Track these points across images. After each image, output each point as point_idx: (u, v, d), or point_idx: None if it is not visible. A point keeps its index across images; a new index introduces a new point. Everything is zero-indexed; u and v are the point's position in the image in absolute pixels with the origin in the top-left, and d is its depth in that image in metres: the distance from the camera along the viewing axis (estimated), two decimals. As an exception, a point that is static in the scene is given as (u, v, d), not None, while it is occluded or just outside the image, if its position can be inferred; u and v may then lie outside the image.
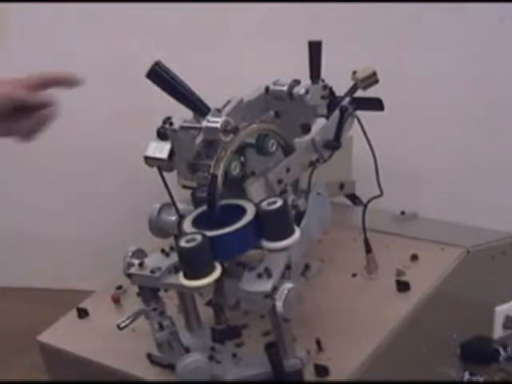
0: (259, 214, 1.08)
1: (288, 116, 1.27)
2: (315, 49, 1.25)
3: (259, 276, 1.09)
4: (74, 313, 1.40)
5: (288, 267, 1.13)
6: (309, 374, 1.14)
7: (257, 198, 1.12)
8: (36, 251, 1.94)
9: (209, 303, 1.20)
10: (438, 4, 1.63)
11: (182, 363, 1.12)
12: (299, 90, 1.23)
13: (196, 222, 1.12)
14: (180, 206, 1.22)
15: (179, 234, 1.10)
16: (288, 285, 1.08)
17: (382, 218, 1.44)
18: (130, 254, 1.17)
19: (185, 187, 1.21)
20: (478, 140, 1.66)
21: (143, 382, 1.23)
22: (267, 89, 1.26)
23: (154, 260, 1.15)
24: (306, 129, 1.23)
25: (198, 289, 1.09)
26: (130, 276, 1.16)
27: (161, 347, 1.18)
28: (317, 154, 1.21)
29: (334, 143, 1.22)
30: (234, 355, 1.19)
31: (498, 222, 1.41)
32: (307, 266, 1.23)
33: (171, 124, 1.15)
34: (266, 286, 1.07)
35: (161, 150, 1.21)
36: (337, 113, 1.23)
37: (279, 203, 1.07)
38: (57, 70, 1.27)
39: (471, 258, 1.29)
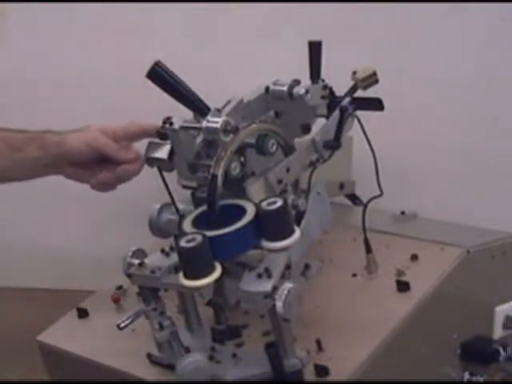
0: (259, 214, 1.07)
1: (288, 116, 1.27)
2: (315, 49, 1.25)
3: (259, 276, 1.09)
4: (74, 313, 1.40)
5: (288, 267, 1.12)
6: (309, 374, 1.14)
7: (257, 198, 1.12)
8: (36, 251, 1.94)
9: (209, 303, 1.20)
10: (438, 4, 1.63)
11: (182, 363, 1.12)
12: (299, 90, 1.23)
13: (196, 222, 1.12)
14: (180, 205, 1.22)
15: (179, 233, 1.10)
16: (288, 285, 1.08)
17: (382, 218, 1.44)
18: (130, 253, 1.17)
19: (185, 187, 1.21)
20: (478, 140, 1.65)
21: (143, 382, 1.23)
22: (267, 89, 1.26)
23: (154, 260, 1.15)
24: (306, 129, 1.23)
25: (198, 289, 1.09)
26: (129, 276, 1.16)
27: (161, 347, 1.18)
28: (317, 154, 1.21)
29: (334, 143, 1.22)
30: (234, 355, 1.19)
31: (497, 222, 1.41)
32: (307, 266, 1.22)
33: (171, 124, 1.15)
34: (266, 286, 1.07)
35: (161, 150, 1.21)
36: (337, 113, 1.23)
37: (279, 203, 1.07)
38: (145, 122, 1.28)
39: (471, 258, 1.29)
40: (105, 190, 1.35)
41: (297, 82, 1.24)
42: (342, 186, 1.57)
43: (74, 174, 1.35)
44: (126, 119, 1.45)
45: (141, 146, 1.31)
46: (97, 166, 1.33)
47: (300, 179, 1.22)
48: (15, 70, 1.82)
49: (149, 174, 1.25)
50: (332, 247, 1.35)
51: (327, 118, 1.23)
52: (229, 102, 1.22)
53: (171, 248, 1.15)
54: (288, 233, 1.07)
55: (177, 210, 1.22)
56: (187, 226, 1.11)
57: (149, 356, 1.23)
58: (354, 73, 1.27)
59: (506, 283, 1.36)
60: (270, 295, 1.07)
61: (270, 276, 1.08)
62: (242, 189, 1.16)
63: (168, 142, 1.19)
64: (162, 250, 1.16)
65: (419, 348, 1.24)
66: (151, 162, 1.22)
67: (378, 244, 1.30)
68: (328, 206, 1.23)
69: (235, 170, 1.14)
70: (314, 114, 1.24)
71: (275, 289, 1.08)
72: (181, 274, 1.06)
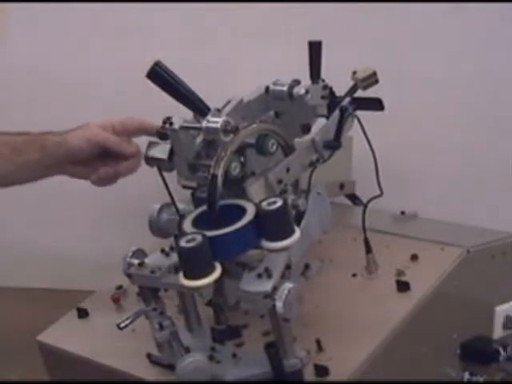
0: (259, 214, 1.07)
1: (288, 116, 1.27)
2: (315, 49, 1.25)
3: (259, 276, 1.09)
4: (74, 313, 1.40)
5: (288, 267, 1.13)
6: (309, 374, 1.14)
7: (257, 198, 1.12)
8: (36, 251, 1.94)
9: (209, 303, 1.20)
10: (438, 4, 1.63)
11: (182, 363, 1.12)
12: (299, 90, 1.23)
13: (196, 222, 1.12)
14: (180, 205, 1.22)
15: (179, 234, 1.10)
16: (288, 285, 1.08)
17: (382, 218, 1.44)
18: (130, 253, 1.17)
19: (185, 187, 1.21)
20: (478, 140, 1.65)
21: (143, 382, 1.23)
22: (267, 89, 1.26)
23: (154, 260, 1.15)
24: (306, 129, 1.23)
25: (198, 289, 1.09)
26: (129, 276, 1.16)
27: (161, 347, 1.18)
28: (317, 154, 1.21)
29: (334, 143, 1.22)
30: (234, 355, 1.19)
31: (497, 222, 1.41)
32: (307, 266, 1.22)
33: (171, 124, 1.15)
34: (266, 286, 1.07)
35: (161, 150, 1.21)
36: (337, 113, 1.23)
37: (279, 203, 1.07)
38: (143, 119, 1.28)
39: (471, 258, 1.29)
40: (105, 184, 1.35)
41: (297, 82, 1.24)
42: (342, 186, 1.57)
43: (76, 171, 1.36)
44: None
45: (141, 144, 1.31)
46: (98, 162, 1.33)
47: (300, 179, 1.22)
48: (15, 70, 1.82)
49: (149, 173, 1.25)
50: (332, 247, 1.35)
51: (327, 118, 1.23)
52: (229, 102, 1.22)
53: (171, 248, 1.15)
54: (288, 233, 1.07)
55: (177, 210, 1.22)
56: (187, 226, 1.11)
57: (149, 356, 1.23)
58: (354, 73, 1.27)
59: (506, 283, 1.36)
60: (270, 295, 1.07)
61: (270, 276, 1.08)
62: (242, 189, 1.16)
63: (168, 141, 1.19)
64: (162, 250, 1.16)
65: (419, 348, 1.24)
66: (151, 161, 1.22)
67: (378, 244, 1.30)
68: (328, 206, 1.23)
69: (235, 170, 1.14)
70: (314, 114, 1.24)
71: (275, 289, 1.08)
72: (181, 274, 1.06)
